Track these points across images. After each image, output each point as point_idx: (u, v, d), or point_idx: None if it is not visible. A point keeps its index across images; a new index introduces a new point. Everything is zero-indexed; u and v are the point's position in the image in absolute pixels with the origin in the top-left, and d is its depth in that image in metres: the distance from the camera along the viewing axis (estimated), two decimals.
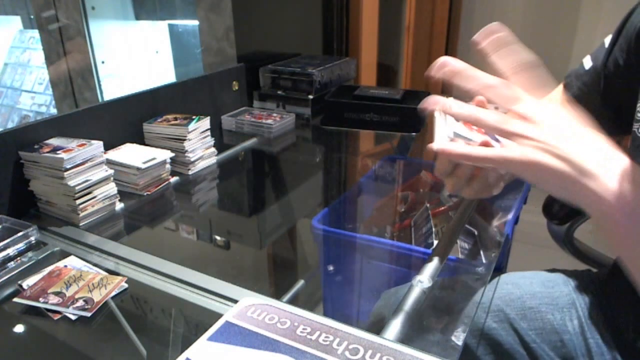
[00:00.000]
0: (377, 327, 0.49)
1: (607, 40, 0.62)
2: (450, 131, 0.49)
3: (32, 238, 0.72)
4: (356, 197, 1.01)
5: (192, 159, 1.03)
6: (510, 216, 0.78)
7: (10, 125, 2.05)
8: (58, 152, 0.79)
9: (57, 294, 0.60)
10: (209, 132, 1.07)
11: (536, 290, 0.66)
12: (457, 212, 0.70)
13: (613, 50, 0.59)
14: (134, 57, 1.76)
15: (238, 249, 0.88)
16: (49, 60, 1.63)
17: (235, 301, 0.53)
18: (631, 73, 0.56)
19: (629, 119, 0.55)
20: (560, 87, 0.70)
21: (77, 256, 0.69)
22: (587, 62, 0.64)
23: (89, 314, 0.57)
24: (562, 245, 0.88)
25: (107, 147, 0.92)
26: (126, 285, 0.62)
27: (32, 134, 0.85)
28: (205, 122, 1.06)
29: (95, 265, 0.66)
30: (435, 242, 0.74)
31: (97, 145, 0.84)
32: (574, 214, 0.82)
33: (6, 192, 0.82)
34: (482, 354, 0.63)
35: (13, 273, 0.65)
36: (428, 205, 0.84)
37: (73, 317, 0.57)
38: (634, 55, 0.56)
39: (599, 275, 0.68)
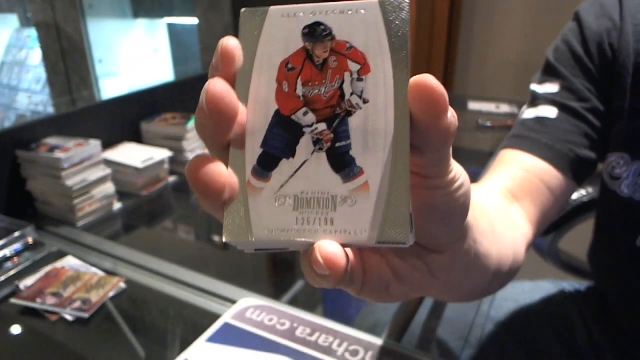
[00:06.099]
0: (370, 330, 0.48)
1: (548, 88, 0.52)
2: None
3: (30, 238, 0.72)
4: None
5: (191, 159, 1.02)
6: None
7: (7, 124, 2.05)
8: (55, 151, 0.79)
9: (54, 294, 0.59)
10: None
11: (536, 308, 0.65)
12: None
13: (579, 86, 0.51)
14: (132, 55, 1.75)
15: (237, 249, 0.87)
16: (47, 59, 1.62)
17: (234, 302, 0.52)
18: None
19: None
20: (507, 159, 0.50)
21: (75, 256, 0.68)
22: (550, 112, 0.51)
23: (86, 315, 0.56)
24: (545, 257, 0.85)
25: (105, 146, 0.92)
26: (124, 286, 0.61)
27: (29, 134, 0.84)
28: None
29: (93, 265, 0.66)
30: None
31: (95, 144, 0.84)
32: (559, 224, 0.80)
33: (3, 191, 0.81)
34: None
35: (10, 273, 0.65)
36: None
37: (70, 318, 0.56)
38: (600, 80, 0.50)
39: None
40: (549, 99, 0.51)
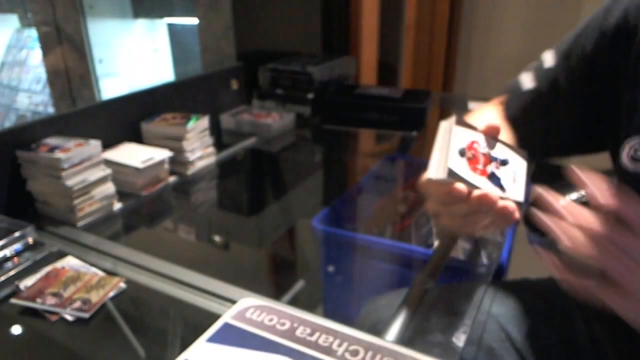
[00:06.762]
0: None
1: (548, 59, 0.60)
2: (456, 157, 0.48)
3: (30, 238, 0.72)
4: (356, 196, 1.00)
5: (191, 159, 1.02)
6: None
7: (7, 124, 2.05)
8: (55, 151, 0.79)
9: (54, 294, 0.59)
10: (207, 132, 1.06)
11: (537, 304, 0.66)
12: None
13: (569, 71, 0.59)
14: (132, 55, 1.75)
15: (237, 249, 0.87)
16: (47, 59, 1.62)
17: (234, 302, 0.52)
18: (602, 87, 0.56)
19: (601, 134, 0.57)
20: (495, 102, 0.67)
21: (75, 256, 0.68)
22: (528, 82, 0.62)
23: (86, 315, 0.56)
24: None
25: (105, 146, 0.91)
26: (124, 286, 0.61)
27: (29, 134, 0.84)
28: (204, 121, 1.05)
29: (93, 265, 0.66)
30: (436, 243, 0.73)
31: (95, 144, 0.84)
32: None
33: (3, 192, 0.81)
34: None
35: (10, 273, 0.65)
36: None
37: (70, 319, 0.56)
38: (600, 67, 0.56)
39: None
40: (542, 74, 0.60)
